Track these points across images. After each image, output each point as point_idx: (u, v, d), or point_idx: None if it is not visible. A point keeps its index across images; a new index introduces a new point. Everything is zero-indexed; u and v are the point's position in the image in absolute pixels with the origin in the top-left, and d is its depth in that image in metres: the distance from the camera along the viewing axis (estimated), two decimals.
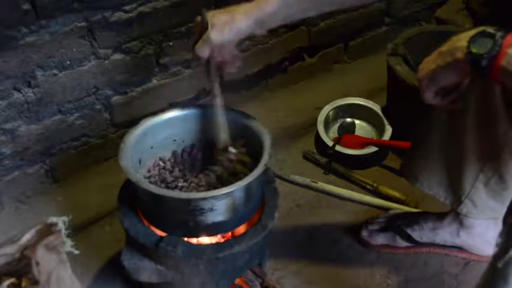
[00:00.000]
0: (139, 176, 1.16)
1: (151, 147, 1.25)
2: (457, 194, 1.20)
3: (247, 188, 1.10)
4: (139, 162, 1.22)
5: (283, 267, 1.38)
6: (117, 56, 1.48)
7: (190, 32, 1.08)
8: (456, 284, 1.35)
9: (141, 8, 1.44)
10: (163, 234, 1.14)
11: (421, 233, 1.36)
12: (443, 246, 1.38)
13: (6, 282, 1.06)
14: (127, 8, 1.42)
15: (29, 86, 1.36)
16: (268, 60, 1.86)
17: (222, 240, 1.22)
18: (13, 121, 1.38)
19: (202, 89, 1.73)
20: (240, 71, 1.79)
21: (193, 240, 1.16)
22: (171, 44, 1.56)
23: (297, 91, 1.96)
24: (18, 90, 1.35)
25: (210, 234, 1.16)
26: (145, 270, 1.12)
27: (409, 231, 1.36)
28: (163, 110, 1.26)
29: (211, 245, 1.15)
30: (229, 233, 1.37)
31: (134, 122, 1.61)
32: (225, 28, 1.04)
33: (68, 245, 1.10)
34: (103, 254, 1.37)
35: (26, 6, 1.25)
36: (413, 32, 1.78)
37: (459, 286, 1.34)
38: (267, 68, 1.87)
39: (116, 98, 1.54)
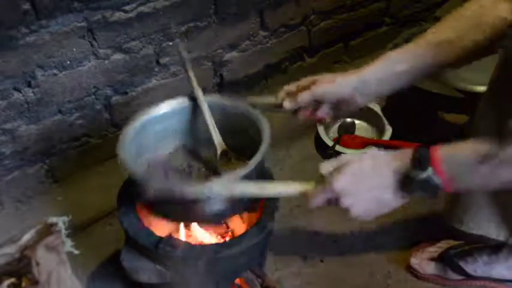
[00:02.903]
0: (137, 168, 1.12)
1: (150, 139, 1.22)
2: (510, 227, 1.15)
3: (246, 178, 1.06)
4: (138, 154, 1.19)
5: (283, 267, 1.38)
6: (117, 56, 1.48)
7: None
8: None
9: (141, 8, 1.44)
10: (162, 234, 1.13)
11: (475, 267, 1.30)
12: (501, 281, 1.31)
13: (6, 282, 1.06)
14: (127, 8, 1.42)
15: (29, 86, 1.36)
16: (268, 60, 1.86)
17: (222, 240, 1.22)
18: (13, 121, 1.38)
19: (202, 89, 1.72)
20: (240, 71, 1.81)
21: (192, 241, 1.16)
22: (171, 44, 1.56)
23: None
24: (18, 90, 1.35)
25: (209, 222, 1.14)
26: (145, 270, 1.12)
27: (462, 263, 1.31)
28: (161, 102, 1.24)
29: (211, 245, 1.15)
30: (229, 233, 1.37)
31: None
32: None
33: (68, 245, 1.09)
34: (103, 254, 1.37)
35: (26, 6, 1.25)
36: (413, 32, 1.78)
37: None
38: (267, 68, 1.87)
39: (116, 98, 1.54)
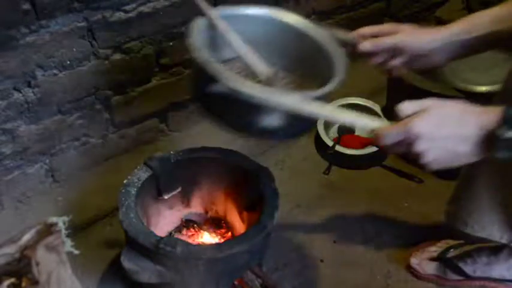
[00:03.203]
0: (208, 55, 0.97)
1: (218, 37, 1.09)
2: None
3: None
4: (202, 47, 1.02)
5: (283, 267, 1.38)
6: (117, 56, 1.48)
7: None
8: None
9: (141, 8, 1.44)
10: (162, 234, 1.13)
11: (475, 267, 1.31)
12: (500, 281, 1.31)
13: (6, 282, 1.06)
14: (127, 8, 1.42)
15: (29, 86, 1.36)
16: None
17: (222, 240, 1.22)
18: (13, 121, 1.38)
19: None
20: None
21: (193, 241, 1.15)
22: (171, 44, 1.56)
23: None
24: (18, 90, 1.35)
25: (262, 137, 1.04)
26: (145, 270, 1.12)
27: (461, 265, 1.31)
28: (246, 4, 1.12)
29: (211, 245, 1.16)
30: (229, 233, 1.37)
31: (134, 122, 1.63)
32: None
33: (68, 245, 1.09)
34: (103, 254, 1.37)
35: (26, 6, 1.24)
36: None
37: None
38: None
39: (116, 98, 1.54)
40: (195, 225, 1.41)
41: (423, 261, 1.37)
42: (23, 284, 1.07)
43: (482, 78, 1.55)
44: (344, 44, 1.09)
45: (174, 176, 1.31)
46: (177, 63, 1.61)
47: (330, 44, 1.08)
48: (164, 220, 1.37)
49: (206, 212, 1.43)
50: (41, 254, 1.05)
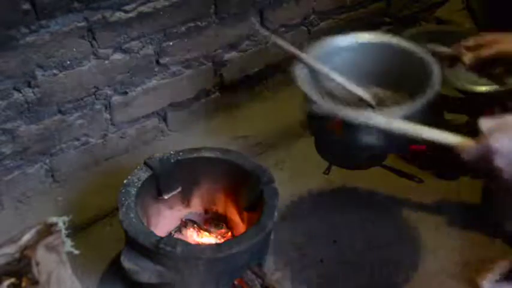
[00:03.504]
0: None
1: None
2: None
3: (407, 117, 1.00)
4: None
5: (283, 267, 1.38)
6: (117, 56, 1.48)
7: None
8: None
9: (141, 8, 1.45)
10: (162, 234, 1.14)
11: None
12: None
13: (6, 282, 1.07)
14: (127, 8, 1.42)
15: (29, 86, 1.36)
16: (268, 60, 1.86)
17: (222, 240, 1.22)
18: (13, 121, 1.38)
19: (203, 89, 1.73)
20: (240, 71, 1.81)
21: (192, 241, 1.15)
22: (171, 44, 1.56)
23: (297, 91, 1.95)
24: (18, 90, 1.35)
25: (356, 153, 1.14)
26: (145, 270, 1.12)
27: None
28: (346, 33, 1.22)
29: (211, 245, 1.16)
30: (229, 233, 1.37)
31: (134, 122, 1.63)
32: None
33: (68, 245, 1.10)
34: (103, 254, 1.37)
35: (26, 6, 1.25)
36: (413, 32, 1.78)
37: None
38: (267, 68, 1.87)
39: (116, 98, 1.54)
40: (195, 225, 1.41)
41: (495, 283, 1.27)
42: (23, 284, 1.07)
43: (482, 78, 1.55)
44: (443, 57, 1.14)
45: (174, 176, 1.31)
46: (177, 63, 1.62)
47: (426, 56, 1.13)
48: (164, 220, 1.37)
49: (206, 212, 1.43)
50: (41, 254, 1.06)
